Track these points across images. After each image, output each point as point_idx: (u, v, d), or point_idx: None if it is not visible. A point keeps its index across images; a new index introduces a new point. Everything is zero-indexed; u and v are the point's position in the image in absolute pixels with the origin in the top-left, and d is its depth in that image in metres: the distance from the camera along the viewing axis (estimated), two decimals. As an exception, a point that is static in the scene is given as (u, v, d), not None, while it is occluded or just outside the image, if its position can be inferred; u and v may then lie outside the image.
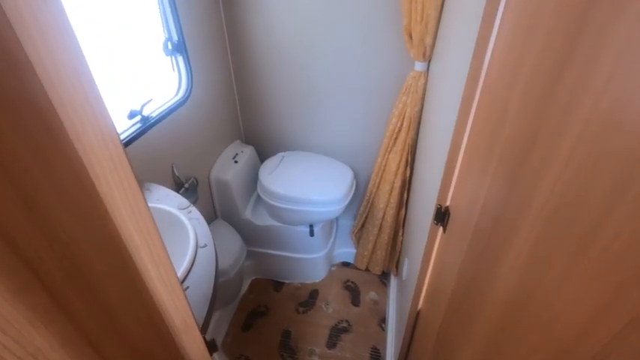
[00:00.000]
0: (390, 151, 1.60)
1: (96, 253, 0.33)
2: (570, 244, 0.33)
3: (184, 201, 1.02)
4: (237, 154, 1.78)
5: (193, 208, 0.99)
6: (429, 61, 1.37)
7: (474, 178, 0.65)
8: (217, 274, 0.85)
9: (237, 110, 1.90)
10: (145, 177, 1.18)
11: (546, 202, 0.38)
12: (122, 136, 1.11)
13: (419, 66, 1.38)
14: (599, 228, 0.29)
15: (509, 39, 0.54)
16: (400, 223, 1.72)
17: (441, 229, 0.81)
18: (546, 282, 0.37)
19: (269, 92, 1.79)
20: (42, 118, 0.26)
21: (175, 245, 0.88)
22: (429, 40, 1.27)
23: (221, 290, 1.57)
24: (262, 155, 1.97)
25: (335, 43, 1.56)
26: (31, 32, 0.24)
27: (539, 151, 0.41)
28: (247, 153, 1.82)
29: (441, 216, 0.79)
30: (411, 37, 1.32)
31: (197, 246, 0.85)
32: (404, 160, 1.57)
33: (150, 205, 0.93)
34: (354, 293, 1.90)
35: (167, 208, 0.94)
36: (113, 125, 0.32)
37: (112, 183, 0.33)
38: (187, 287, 0.78)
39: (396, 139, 1.56)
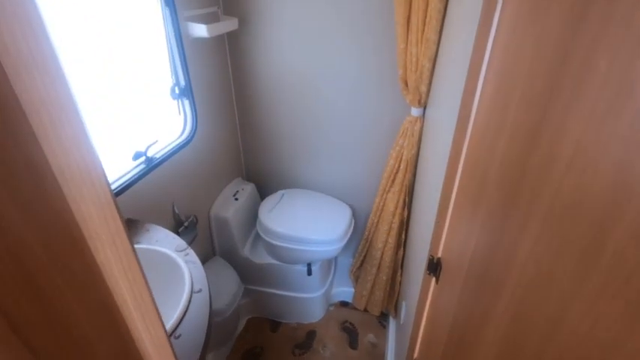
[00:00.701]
0: (388, 191, 1.63)
1: (89, 321, 0.34)
2: (558, 290, 0.35)
3: (182, 243, 1.03)
4: (237, 192, 1.81)
5: (190, 251, 1.01)
6: (425, 107, 1.43)
7: (463, 229, 0.67)
8: (211, 319, 0.85)
9: (240, 149, 1.95)
10: (145, 217, 1.21)
11: (530, 253, 0.40)
12: (126, 177, 1.15)
13: (415, 111, 1.43)
14: (585, 275, 0.31)
15: (492, 97, 0.58)
16: (399, 264, 1.71)
17: (433, 279, 0.82)
18: (538, 327, 0.38)
19: (271, 131, 1.85)
20: (48, 200, 0.29)
21: (171, 289, 0.89)
22: (423, 89, 1.33)
23: (216, 330, 1.54)
24: (263, 192, 2.00)
25: (336, 86, 1.63)
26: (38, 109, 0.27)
27: (521, 205, 0.43)
28: (248, 190, 1.85)
29: (434, 267, 0.79)
30: (407, 84, 1.39)
31: (192, 291, 0.86)
32: (401, 200, 1.59)
33: (148, 246, 0.95)
34: (352, 335, 1.85)
35: (165, 250, 0.95)
36: (114, 200, 0.35)
37: (110, 254, 0.35)
38: (180, 335, 0.78)
39: (393, 180, 1.59)
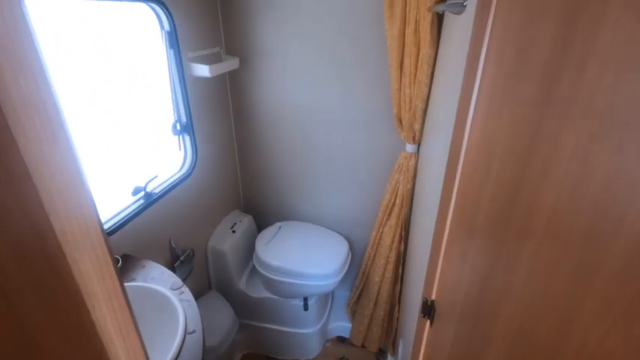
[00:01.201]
0: (385, 225, 1.64)
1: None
2: (549, 326, 0.35)
3: (177, 280, 1.03)
4: (235, 224, 1.82)
5: (186, 289, 1.00)
6: (419, 144, 1.47)
7: (455, 272, 0.68)
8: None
9: (239, 181, 1.98)
10: (141, 252, 1.21)
11: (518, 301, 0.41)
12: (125, 213, 1.16)
13: (409, 147, 1.47)
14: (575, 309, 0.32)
15: (478, 149, 0.61)
16: (396, 299, 1.69)
17: (428, 322, 0.82)
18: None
19: (270, 164, 1.88)
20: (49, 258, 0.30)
21: (164, 328, 0.88)
22: (417, 127, 1.37)
23: (209, 368, 1.50)
24: (260, 224, 2.00)
25: (333, 121, 1.68)
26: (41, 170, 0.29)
27: (508, 252, 0.45)
28: (245, 223, 1.86)
29: (428, 309, 0.80)
30: (401, 122, 1.43)
31: (185, 332, 0.85)
32: (398, 235, 1.59)
33: (143, 284, 0.95)
34: (349, 373, 1.80)
35: (160, 289, 0.95)
36: (112, 259, 0.36)
37: (106, 311, 0.36)
38: (171, 379, 0.76)
39: (389, 213, 1.61)
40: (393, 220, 1.59)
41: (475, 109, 0.60)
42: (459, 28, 0.80)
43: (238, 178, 1.97)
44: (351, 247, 1.84)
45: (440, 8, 0.88)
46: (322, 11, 1.47)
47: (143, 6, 1.19)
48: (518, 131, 0.44)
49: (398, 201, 1.55)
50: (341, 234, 1.85)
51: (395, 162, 1.56)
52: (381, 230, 1.65)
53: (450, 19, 1.00)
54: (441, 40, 1.13)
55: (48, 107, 0.32)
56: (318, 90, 1.63)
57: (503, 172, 0.49)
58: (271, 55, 1.61)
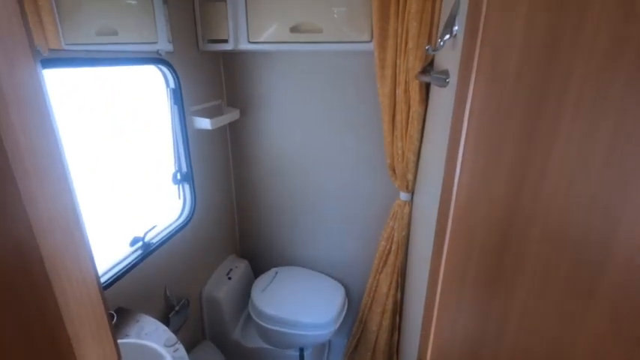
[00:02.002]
0: (381, 272, 1.64)
1: None
2: None
3: (172, 336, 1.02)
4: (231, 270, 1.81)
5: (180, 346, 0.99)
6: (412, 192, 1.51)
7: (450, 325, 0.69)
8: None
9: (236, 226, 1.99)
10: (136, 303, 1.20)
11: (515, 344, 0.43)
12: (122, 265, 1.17)
13: (403, 196, 1.51)
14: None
15: (464, 209, 0.64)
16: (394, 349, 1.66)
17: (424, 383, 0.81)
18: None
19: (267, 210, 1.91)
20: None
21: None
22: (410, 177, 1.42)
23: None
24: (257, 269, 1.99)
25: (329, 169, 1.73)
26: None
27: (498, 308, 0.47)
28: (241, 268, 1.85)
29: (423, 370, 0.79)
30: (394, 172, 1.48)
31: (178, 395, 0.84)
32: (394, 282, 1.59)
33: (137, 341, 0.94)
34: None
35: (153, 346, 0.94)
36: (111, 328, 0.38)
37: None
38: None
39: (385, 261, 1.61)
40: (389, 268, 1.59)
41: (461, 171, 0.64)
42: (443, 96, 0.86)
43: (236, 223, 1.98)
44: (348, 293, 1.82)
45: (425, 79, 0.96)
46: (317, 68, 1.57)
47: (151, 66, 1.28)
48: (498, 198, 0.49)
49: (393, 248, 1.56)
50: (338, 280, 1.84)
51: (390, 209, 1.59)
52: (377, 277, 1.65)
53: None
54: (430, 98, 1.21)
55: (55, 164, 0.35)
56: (313, 139, 1.70)
57: (488, 237, 0.52)
58: (269, 106, 1.69)
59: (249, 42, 1.44)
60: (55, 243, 0.34)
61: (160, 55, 1.23)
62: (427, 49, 0.86)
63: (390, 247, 1.58)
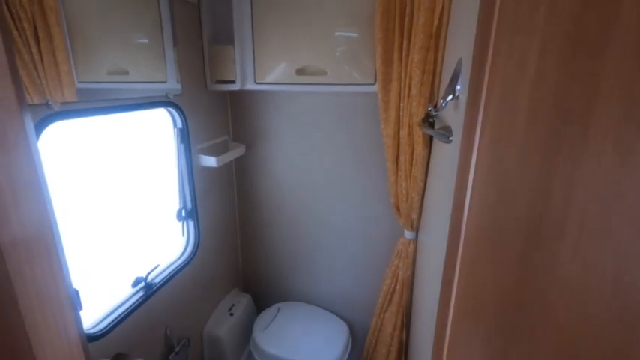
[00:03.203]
0: (385, 311, 1.60)
1: None
2: None
3: (171, 387, 0.99)
4: (233, 305, 1.78)
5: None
6: (417, 231, 1.50)
7: None
8: None
9: (239, 260, 1.98)
10: (135, 346, 1.18)
11: None
12: (124, 308, 1.15)
13: (408, 234, 1.50)
14: None
15: (475, 248, 0.63)
16: (400, 392, 1.60)
17: None
18: None
19: (271, 244, 1.90)
20: None
21: None
22: (414, 216, 1.41)
23: None
24: (259, 304, 1.96)
25: (333, 205, 1.73)
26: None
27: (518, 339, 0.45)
28: (244, 303, 1.83)
29: None
30: (399, 210, 1.48)
31: None
32: (399, 322, 1.55)
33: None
34: None
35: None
36: None
37: None
38: None
39: (390, 299, 1.58)
40: (393, 307, 1.56)
41: (467, 219, 0.63)
42: (446, 148, 0.87)
43: (239, 257, 1.97)
44: (352, 331, 1.78)
45: (429, 132, 0.97)
46: (322, 107, 1.60)
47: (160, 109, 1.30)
48: (509, 245, 0.48)
49: (398, 287, 1.54)
50: (341, 317, 1.81)
51: (394, 247, 1.57)
52: (381, 317, 1.61)
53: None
54: (434, 143, 1.22)
55: (46, 237, 0.34)
56: (318, 176, 1.71)
57: (502, 277, 0.51)
58: (275, 142, 1.72)
59: (256, 82, 1.48)
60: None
61: (169, 98, 1.26)
62: (430, 110, 0.87)
63: (395, 286, 1.55)
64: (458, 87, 0.71)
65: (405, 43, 1.15)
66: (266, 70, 1.46)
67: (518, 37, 0.45)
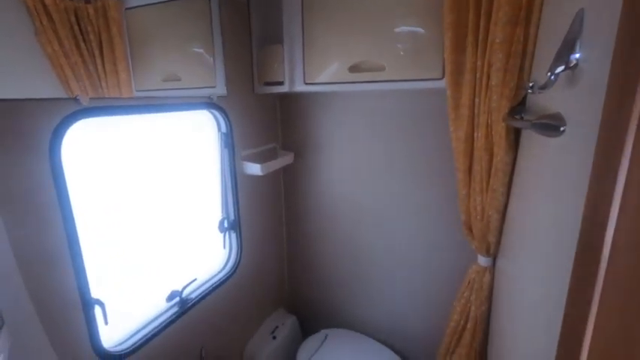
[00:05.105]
0: (452, 352, 1.32)
1: None
2: None
3: None
4: (277, 328, 1.63)
5: None
6: (495, 257, 1.21)
7: None
8: None
9: (285, 278, 1.84)
10: (166, 369, 1.08)
11: None
12: (155, 324, 1.06)
13: (483, 260, 1.22)
14: None
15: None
16: None
17: None
18: None
19: (321, 262, 1.73)
20: None
21: None
22: (492, 239, 1.14)
23: None
24: (305, 327, 1.79)
25: (391, 221, 1.52)
26: None
27: None
28: (288, 325, 1.67)
29: None
30: (471, 231, 1.22)
31: None
32: (471, 369, 1.26)
33: None
34: None
35: None
36: None
37: None
38: None
39: (459, 340, 1.30)
40: (463, 349, 1.28)
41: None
42: (552, 146, 0.63)
43: (285, 275, 1.83)
44: (410, 372, 1.52)
45: (519, 125, 0.73)
46: (379, 109, 1.41)
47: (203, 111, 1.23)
48: None
49: (469, 325, 1.26)
50: (396, 351, 1.55)
51: (464, 274, 1.30)
52: (448, 359, 1.33)
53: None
54: (521, 145, 0.96)
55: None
56: (375, 187, 1.51)
57: None
58: (327, 150, 1.56)
59: (305, 83, 1.35)
60: None
61: (212, 99, 1.18)
62: (530, 87, 0.64)
63: (465, 325, 1.27)
64: (576, 55, 0.49)
65: (482, 22, 0.93)
66: (316, 69, 1.32)
67: None
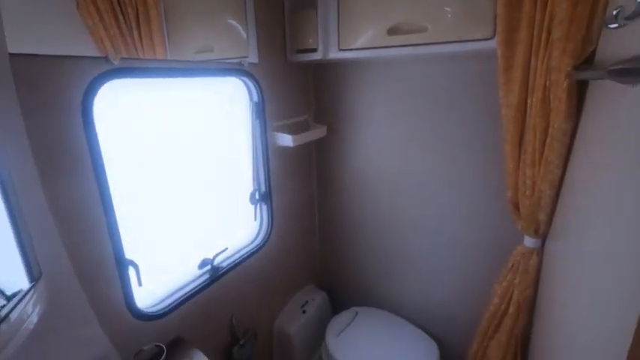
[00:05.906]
0: (491, 338, 1.24)
1: None
2: None
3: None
4: (307, 302, 1.63)
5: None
6: (544, 237, 1.11)
7: None
8: None
9: (316, 254, 1.82)
10: (197, 334, 1.10)
11: None
12: (186, 290, 1.08)
13: (529, 242, 1.12)
14: None
15: None
16: None
17: None
18: None
19: (353, 237, 1.69)
20: None
21: None
22: (543, 217, 1.03)
23: None
24: (336, 303, 1.78)
25: (426, 197, 1.43)
26: None
27: None
28: (318, 301, 1.66)
29: None
30: (517, 208, 1.11)
31: None
32: (510, 356, 1.18)
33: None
34: None
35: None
36: None
37: None
38: None
39: (498, 324, 1.22)
40: (502, 335, 1.19)
41: None
42: (630, 103, 0.53)
43: (316, 250, 1.81)
44: (442, 354, 1.45)
45: (589, 76, 0.63)
46: (418, 76, 1.31)
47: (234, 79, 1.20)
48: None
49: (511, 310, 1.17)
50: (430, 334, 1.49)
51: (507, 256, 1.20)
52: (485, 344, 1.26)
53: (602, 86, 0.72)
54: (586, 110, 0.84)
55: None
56: (412, 162, 1.43)
57: None
58: (362, 122, 1.49)
59: (340, 49, 1.27)
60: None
61: (243, 65, 1.15)
62: (615, 15, 0.50)
63: (507, 309, 1.18)
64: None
65: (545, -34, 0.80)
66: (352, 33, 1.24)
67: None
